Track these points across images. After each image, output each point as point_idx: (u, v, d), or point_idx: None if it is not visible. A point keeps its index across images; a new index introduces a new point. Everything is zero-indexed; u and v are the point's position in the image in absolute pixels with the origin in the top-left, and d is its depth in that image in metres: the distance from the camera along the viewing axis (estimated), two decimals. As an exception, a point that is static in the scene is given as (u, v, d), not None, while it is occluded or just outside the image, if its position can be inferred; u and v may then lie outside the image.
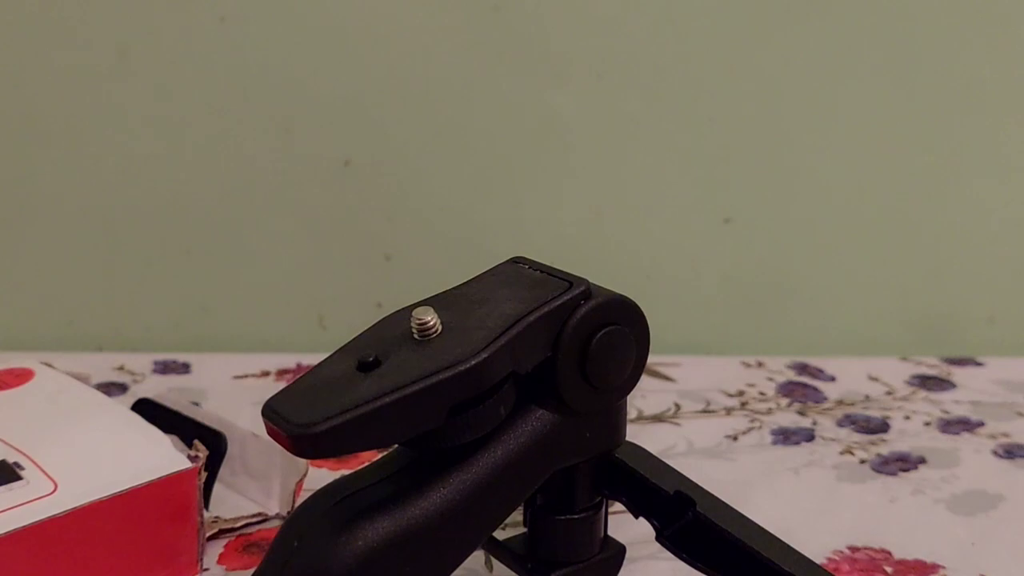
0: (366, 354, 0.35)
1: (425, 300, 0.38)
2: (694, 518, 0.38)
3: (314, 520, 0.35)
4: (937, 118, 0.71)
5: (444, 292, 0.39)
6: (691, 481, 0.40)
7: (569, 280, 0.38)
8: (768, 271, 0.73)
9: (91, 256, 0.71)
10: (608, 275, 0.72)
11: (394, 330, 0.36)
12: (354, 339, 0.37)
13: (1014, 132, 0.72)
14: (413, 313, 0.36)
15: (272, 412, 0.34)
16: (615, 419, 0.40)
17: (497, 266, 0.40)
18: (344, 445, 0.34)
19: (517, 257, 0.41)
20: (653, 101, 0.70)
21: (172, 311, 0.72)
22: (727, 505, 0.39)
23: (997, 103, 0.71)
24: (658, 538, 0.40)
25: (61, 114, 0.69)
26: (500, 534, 0.41)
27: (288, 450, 0.33)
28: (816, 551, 0.47)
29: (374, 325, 0.38)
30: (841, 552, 0.47)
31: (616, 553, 0.41)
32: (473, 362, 0.34)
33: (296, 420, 0.33)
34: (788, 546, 0.38)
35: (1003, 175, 0.73)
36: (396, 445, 0.37)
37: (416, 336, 0.35)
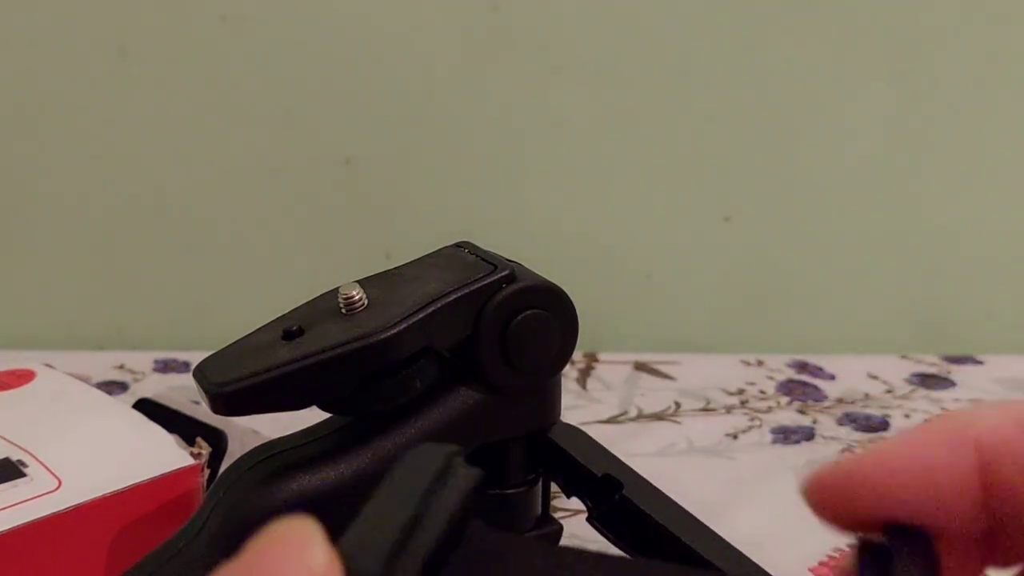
0: (292, 324, 0.38)
1: (365, 278, 0.40)
2: (621, 501, 0.39)
3: (241, 474, 0.37)
4: (936, 117, 0.71)
5: (385, 271, 0.41)
6: (624, 465, 0.41)
7: (495, 264, 0.40)
8: (768, 269, 0.73)
9: (91, 255, 0.72)
10: (608, 274, 0.73)
11: (326, 304, 0.39)
12: (290, 311, 0.40)
13: (1014, 131, 0.71)
14: (339, 289, 0.39)
15: (199, 372, 0.37)
16: (546, 399, 0.41)
17: (440, 249, 0.43)
18: (256, 405, 0.36)
19: (461, 242, 0.43)
20: (652, 100, 0.70)
21: (172, 309, 0.72)
22: (658, 491, 0.40)
23: (997, 102, 0.71)
24: (588, 519, 0.40)
25: (61, 114, 0.70)
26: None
27: (209, 409, 0.36)
28: (816, 549, 0.47)
29: (311, 299, 0.40)
30: (841, 550, 0.48)
31: (552, 531, 0.42)
32: (383, 336, 0.36)
33: (214, 380, 0.36)
34: (715, 534, 0.38)
35: (1002, 174, 0.72)
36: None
37: (343, 310, 0.38)
